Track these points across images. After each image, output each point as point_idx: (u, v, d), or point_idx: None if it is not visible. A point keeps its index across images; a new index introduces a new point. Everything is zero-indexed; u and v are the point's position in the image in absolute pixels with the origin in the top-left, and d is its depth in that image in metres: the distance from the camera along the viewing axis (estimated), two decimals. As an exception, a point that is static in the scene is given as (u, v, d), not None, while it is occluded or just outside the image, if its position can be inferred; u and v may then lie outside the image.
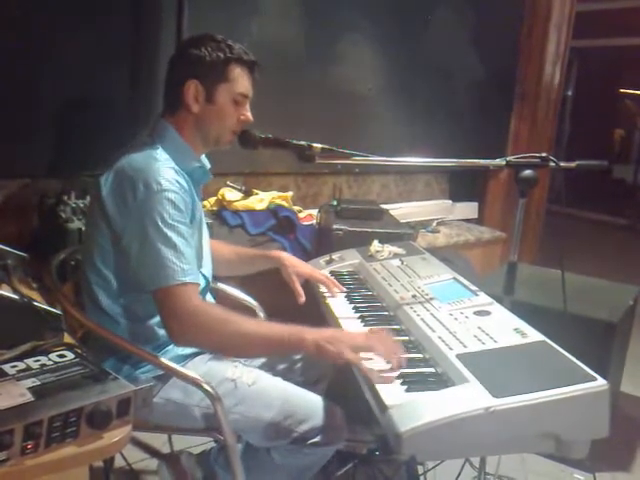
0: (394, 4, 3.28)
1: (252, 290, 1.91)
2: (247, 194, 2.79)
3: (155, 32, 2.43)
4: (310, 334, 1.28)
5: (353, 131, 3.18)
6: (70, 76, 2.24)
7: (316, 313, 1.67)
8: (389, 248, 2.00)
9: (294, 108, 2.92)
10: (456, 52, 3.67)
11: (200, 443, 1.93)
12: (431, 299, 1.56)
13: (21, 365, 1.05)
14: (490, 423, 1.02)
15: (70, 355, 1.11)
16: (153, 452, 2.18)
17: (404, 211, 3.56)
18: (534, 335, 1.29)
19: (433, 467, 2.06)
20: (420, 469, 1.99)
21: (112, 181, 1.37)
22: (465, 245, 3.59)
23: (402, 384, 1.18)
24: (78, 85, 2.27)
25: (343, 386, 1.51)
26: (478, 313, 1.44)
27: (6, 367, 1.03)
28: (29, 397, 0.93)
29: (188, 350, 1.49)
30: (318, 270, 1.85)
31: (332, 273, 1.91)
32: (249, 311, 1.83)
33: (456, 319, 1.41)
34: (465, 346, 1.26)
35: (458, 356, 1.21)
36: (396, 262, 1.91)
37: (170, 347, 1.46)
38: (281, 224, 2.69)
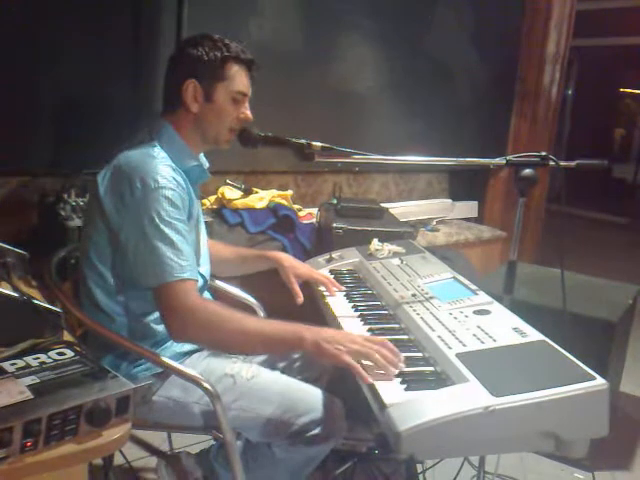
0: (394, 3, 3.28)
1: (251, 289, 1.91)
2: (247, 192, 2.80)
3: (155, 32, 2.43)
4: (310, 333, 1.28)
5: (353, 129, 3.18)
6: (70, 75, 2.24)
7: (315, 313, 1.67)
8: (389, 247, 2.00)
9: (294, 107, 2.92)
10: (456, 51, 3.67)
11: (199, 441, 1.93)
12: (431, 298, 1.56)
13: (20, 363, 1.05)
14: (489, 422, 1.02)
15: (69, 353, 1.11)
16: (152, 450, 2.18)
17: (404, 210, 3.57)
18: (534, 334, 1.29)
19: (432, 466, 2.06)
20: (419, 468, 1.99)
21: (109, 178, 1.37)
22: (465, 244, 3.60)
23: (401, 383, 1.18)
24: (78, 84, 2.28)
25: (342, 385, 1.51)
26: (478, 312, 1.44)
27: (5, 365, 1.03)
28: (28, 395, 0.93)
29: (186, 347, 1.49)
30: (317, 269, 1.86)
31: (332, 272, 1.91)
32: (249, 309, 1.83)
33: (456, 318, 1.41)
34: (465, 345, 1.26)
35: (458, 355, 1.21)
36: (396, 261, 1.91)
37: (168, 344, 1.46)
38: (281, 223, 2.70)
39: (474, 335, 1.30)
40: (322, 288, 1.75)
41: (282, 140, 1.48)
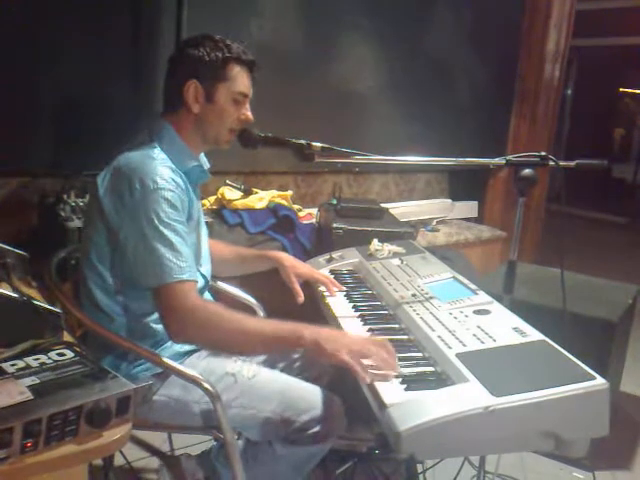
0: (394, 4, 3.28)
1: (251, 289, 1.91)
2: (247, 193, 2.80)
3: (155, 33, 2.43)
4: (309, 332, 1.28)
5: (353, 130, 3.18)
6: (71, 75, 2.25)
7: (315, 313, 1.67)
8: (389, 247, 2.00)
9: (294, 107, 2.92)
10: (456, 51, 3.67)
11: (200, 442, 1.93)
12: (431, 298, 1.56)
13: (20, 363, 1.05)
14: (489, 422, 1.02)
15: (69, 353, 1.11)
16: (153, 450, 2.18)
17: (404, 210, 3.57)
18: (534, 334, 1.29)
19: (432, 466, 2.06)
20: (419, 468, 1.99)
21: (109, 179, 1.37)
22: (465, 244, 3.60)
23: (401, 383, 1.18)
24: (78, 84, 2.28)
25: (342, 385, 1.51)
26: (478, 312, 1.44)
27: (5, 365, 1.03)
28: (28, 395, 0.93)
29: (186, 347, 1.49)
30: (318, 270, 1.86)
31: (332, 272, 1.91)
32: (249, 310, 1.83)
33: (456, 318, 1.41)
34: (464, 345, 1.26)
35: (458, 355, 1.21)
36: (396, 261, 1.91)
37: (168, 344, 1.46)
38: (281, 223, 2.70)
39: (474, 335, 1.30)
40: (322, 288, 1.75)
41: (282, 140, 1.48)
